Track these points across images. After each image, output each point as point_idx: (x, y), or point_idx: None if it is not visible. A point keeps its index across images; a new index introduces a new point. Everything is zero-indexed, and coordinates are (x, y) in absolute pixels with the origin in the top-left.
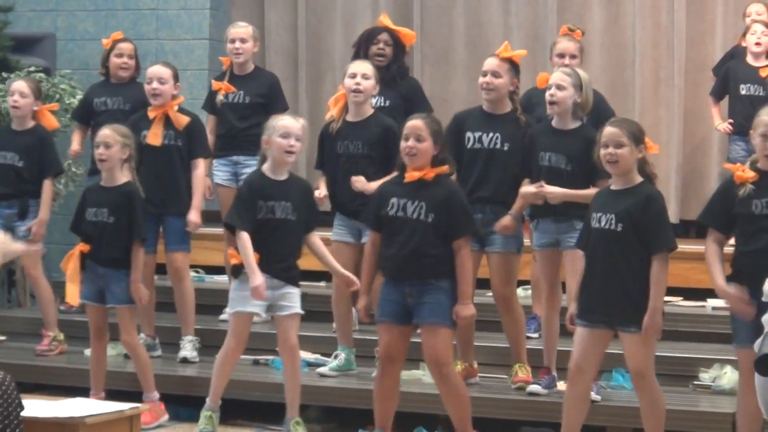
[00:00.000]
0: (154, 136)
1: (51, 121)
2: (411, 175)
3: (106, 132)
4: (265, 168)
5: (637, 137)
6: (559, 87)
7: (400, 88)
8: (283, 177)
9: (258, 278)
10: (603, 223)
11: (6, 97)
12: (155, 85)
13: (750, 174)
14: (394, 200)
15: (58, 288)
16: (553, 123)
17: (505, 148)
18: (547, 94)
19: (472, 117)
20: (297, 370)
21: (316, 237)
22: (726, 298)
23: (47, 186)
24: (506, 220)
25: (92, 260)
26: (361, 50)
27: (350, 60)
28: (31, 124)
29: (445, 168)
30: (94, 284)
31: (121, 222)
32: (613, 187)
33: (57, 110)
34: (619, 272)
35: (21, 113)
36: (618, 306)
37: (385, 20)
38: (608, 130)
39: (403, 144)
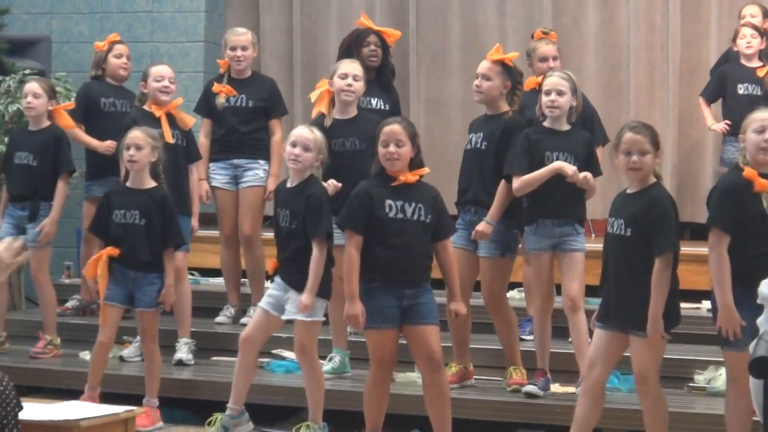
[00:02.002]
0: (168, 134)
1: (67, 121)
2: (406, 177)
3: (137, 134)
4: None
5: (657, 142)
6: (560, 93)
7: (392, 92)
8: (293, 184)
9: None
10: (615, 229)
11: (5, 101)
12: (167, 83)
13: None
14: (390, 202)
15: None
16: (547, 124)
17: (483, 147)
18: (547, 99)
19: (476, 119)
20: (310, 374)
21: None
22: (729, 317)
23: (60, 184)
24: (481, 226)
25: (122, 263)
26: (353, 51)
27: (336, 60)
28: (46, 123)
29: (425, 170)
30: (123, 287)
31: (153, 225)
32: (628, 191)
33: None
34: (629, 277)
35: (35, 113)
36: (627, 310)
37: (367, 21)
38: (631, 137)
39: (382, 150)
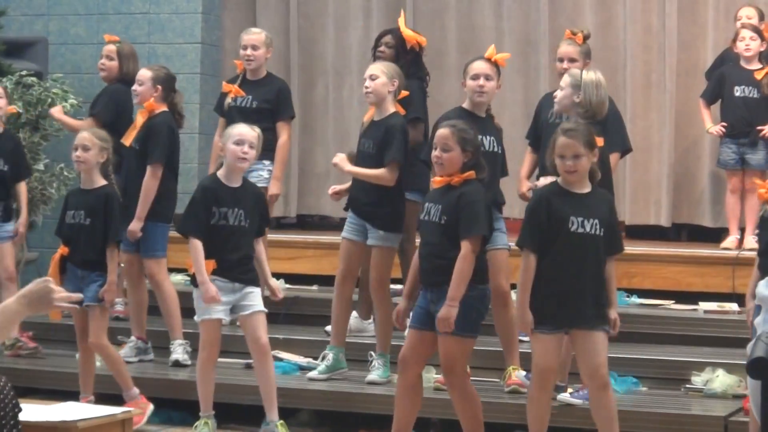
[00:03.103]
0: (128, 138)
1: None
2: (436, 181)
3: (84, 135)
4: (220, 174)
5: (591, 143)
6: (560, 87)
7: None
8: (237, 184)
9: (210, 290)
10: (588, 228)
11: None
12: (135, 86)
13: None
14: (427, 204)
15: None
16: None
17: (500, 151)
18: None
19: (477, 123)
20: (269, 369)
21: (261, 244)
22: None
23: (23, 187)
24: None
25: (71, 263)
26: (373, 52)
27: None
28: None
29: (470, 174)
30: (74, 286)
31: (95, 223)
32: (574, 190)
33: (48, 114)
34: (595, 275)
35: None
36: (586, 307)
37: (401, 22)
38: (563, 142)
39: (433, 153)
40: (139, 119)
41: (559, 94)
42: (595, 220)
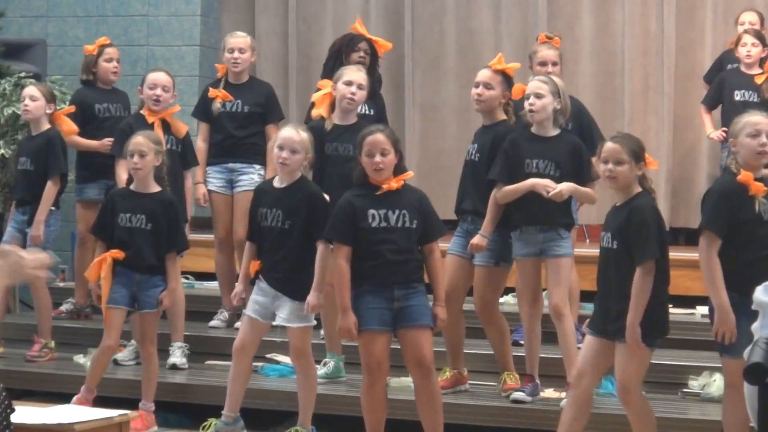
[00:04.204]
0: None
1: (69, 126)
2: (389, 186)
3: (139, 140)
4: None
5: (638, 154)
6: (538, 96)
7: (378, 99)
8: (283, 185)
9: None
10: (604, 242)
11: (0, 104)
12: (159, 92)
13: (761, 186)
14: (372, 212)
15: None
16: (534, 130)
17: (476, 158)
18: (526, 103)
19: (477, 130)
20: (306, 378)
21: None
22: (725, 318)
23: (48, 185)
24: (476, 239)
25: (127, 266)
26: (342, 56)
27: (324, 63)
28: (45, 127)
29: (409, 174)
30: (127, 289)
31: (159, 229)
32: (616, 204)
33: None
34: (616, 287)
35: (32, 117)
36: (615, 319)
37: (361, 27)
38: (609, 146)
39: (368, 160)
40: (158, 122)
41: (537, 103)
42: (608, 233)
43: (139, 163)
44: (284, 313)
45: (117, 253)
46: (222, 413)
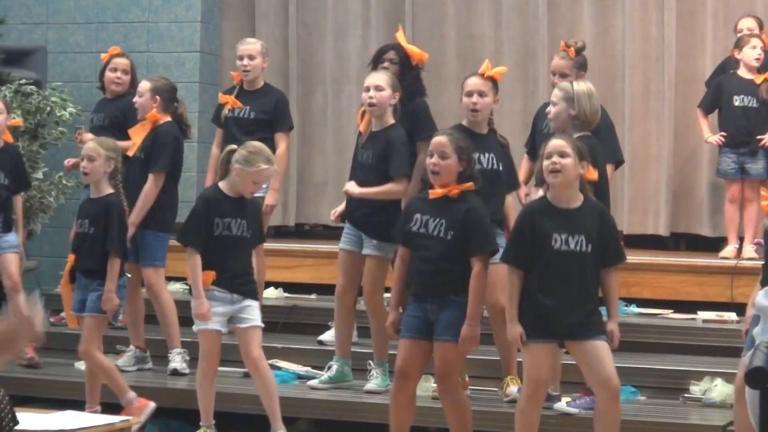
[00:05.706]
0: (132, 148)
1: (6, 136)
2: (435, 192)
3: (90, 145)
4: (222, 185)
5: (582, 152)
6: (552, 103)
7: (406, 108)
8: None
9: (202, 306)
10: (573, 245)
11: None
12: (136, 97)
13: None
14: (417, 216)
15: (49, 300)
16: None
17: (500, 168)
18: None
19: (475, 139)
20: (267, 380)
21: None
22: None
23: (19, 200)
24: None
25: (78, 271)
26: (376, 65)
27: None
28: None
29: (469, 185)
30: (82, 294)
31: (98, 232)
32: (561, 206)
33: (47, 122)
34: (582, 291)
35: None
36: (576, 319)
37: (400, 37)
38: (552, 142)
39: (427, 160)
40: (139, 130)
41: (552, 110)
42: (581, 236)
43: (87, 167)
44: (252, 313)
45: (70, 259)
46: (201, 424)
